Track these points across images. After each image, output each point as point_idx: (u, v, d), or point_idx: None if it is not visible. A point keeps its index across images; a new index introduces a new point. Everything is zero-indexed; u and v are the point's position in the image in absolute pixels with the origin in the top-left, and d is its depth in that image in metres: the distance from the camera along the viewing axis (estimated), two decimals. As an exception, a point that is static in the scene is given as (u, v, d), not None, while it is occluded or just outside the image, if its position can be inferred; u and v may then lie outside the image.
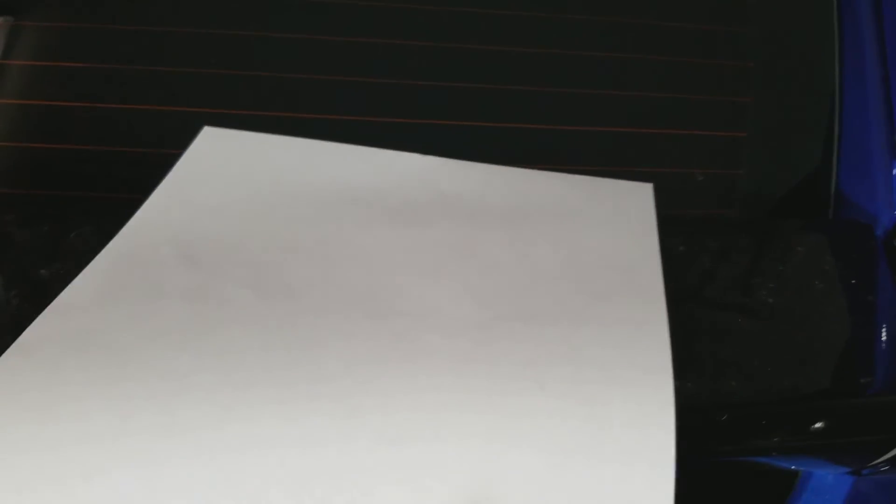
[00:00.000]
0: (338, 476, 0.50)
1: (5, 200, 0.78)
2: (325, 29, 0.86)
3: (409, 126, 0.84)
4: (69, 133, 0.81)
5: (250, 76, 0.84)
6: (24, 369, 0.55)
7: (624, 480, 0.51)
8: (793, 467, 0.68)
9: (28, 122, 0.81)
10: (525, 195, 0.78)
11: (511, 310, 0.64)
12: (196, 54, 0.84)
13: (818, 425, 0.61)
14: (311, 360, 0.58)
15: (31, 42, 0.84)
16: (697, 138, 0.88)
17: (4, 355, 0.56)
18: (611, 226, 0.75)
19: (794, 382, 0.64)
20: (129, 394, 0.54)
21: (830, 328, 0.70)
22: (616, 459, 0.52)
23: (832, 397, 0.65)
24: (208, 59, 0.84)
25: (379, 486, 0.50)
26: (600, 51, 0.89)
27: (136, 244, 0.67)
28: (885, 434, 0.63)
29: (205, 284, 0.64)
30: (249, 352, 0.58)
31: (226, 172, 0.76)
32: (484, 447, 0.52)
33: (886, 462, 0.63)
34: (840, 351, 0.69)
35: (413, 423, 0.53)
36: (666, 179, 0.83)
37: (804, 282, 0.73)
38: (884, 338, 0.70)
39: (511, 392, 0.56)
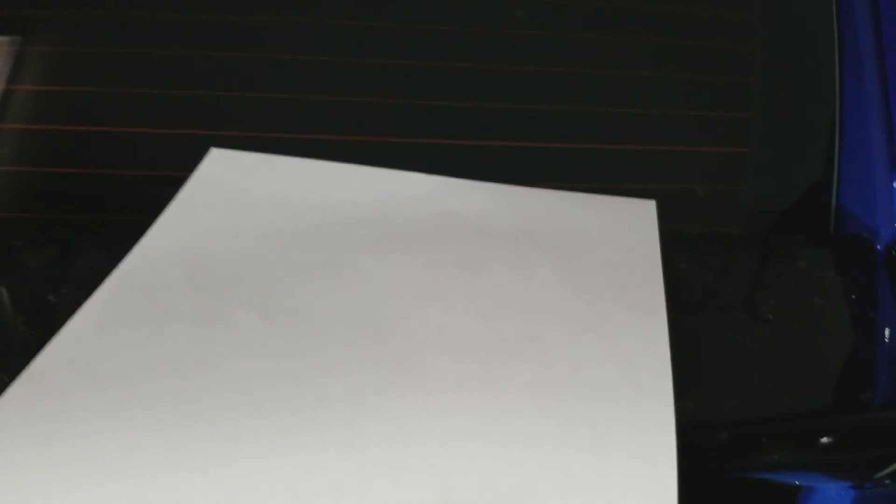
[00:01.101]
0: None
1: (13, 225, 0.78)
2: (328, 50, 0.87)
3: (411, 146, 0.85)
4: (74, 157, 0.82)
5: (254, 98, 0.85)
6: (34, 399, 0.56)
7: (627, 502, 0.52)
8: (795, 482, 0.69)
9: (34, 146, 0.82)
10: (528, 214, 0.79)
11: (515, 331, 0.65)
12: (201, 76, 0.85)
13: (820, 441, 0.62)
14: (317, 386, 0.58)
15: (37, 66, 0.85)
16: (699, 154, 0.88)
17: (14, 385, 0.56)
18: (614, 243, 0.76)
19: (795, 399, 0.65)
20: (136, 425, 0.54)
21: (831, 344, 0.70)
22: (619, 483, 0.53)
23: (833, 413, 0.65)
24: (214, 82, 0.85)
25: None
26: (601, 68, 0.90)
27: (144, 269, 0.68)
28: (886, 449, 0.64)
29: (212, 308, 0.65)
30: (256, 378, 0.59)
31: (233, 194, 0.77)
32: (491, 474, 0.53)
33: (888, 476, 0.63)
34: (841, 366, 0.70)
35: (420, 449, 0.54)
36: (668, 196, 0.83)
37: (805, 298, 0.74)
38: (884, 353, 0.70)
39: (516, 417, 0.57)
